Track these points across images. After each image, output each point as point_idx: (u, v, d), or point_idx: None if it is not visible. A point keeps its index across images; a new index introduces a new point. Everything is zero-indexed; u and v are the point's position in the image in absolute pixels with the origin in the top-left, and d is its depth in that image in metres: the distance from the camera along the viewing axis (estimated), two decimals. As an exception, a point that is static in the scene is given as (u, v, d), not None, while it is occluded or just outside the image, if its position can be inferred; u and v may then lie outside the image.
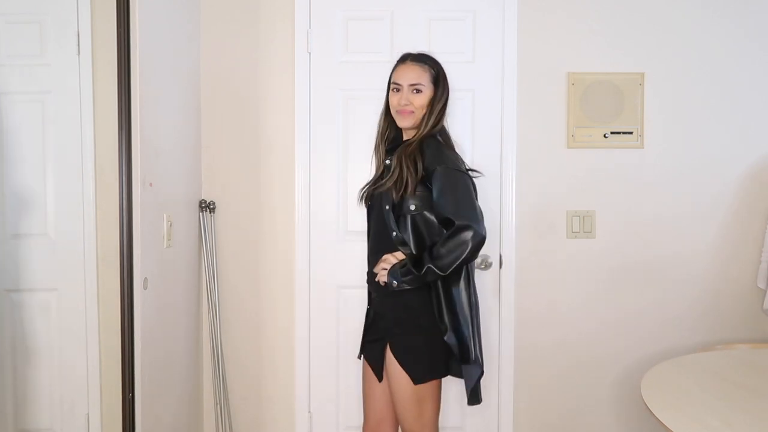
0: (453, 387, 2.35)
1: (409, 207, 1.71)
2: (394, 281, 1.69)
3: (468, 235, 1.63)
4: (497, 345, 2.38)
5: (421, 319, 1.72)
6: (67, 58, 1.83)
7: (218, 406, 2.36)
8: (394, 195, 1.71)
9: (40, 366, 1.87)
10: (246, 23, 2.36)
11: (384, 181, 1.77)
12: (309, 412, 2.40)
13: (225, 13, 2.36)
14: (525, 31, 2.34)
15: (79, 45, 1.82)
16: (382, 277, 1.73)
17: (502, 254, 2.36)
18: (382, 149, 1.88)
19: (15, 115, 1.83)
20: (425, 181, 1.70)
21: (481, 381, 1.78)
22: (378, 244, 1.81)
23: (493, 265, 2.35)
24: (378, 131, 1.91)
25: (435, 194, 1.68)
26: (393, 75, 1.85)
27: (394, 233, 1.73)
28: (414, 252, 1.71)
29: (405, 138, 1.88)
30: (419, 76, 1.80)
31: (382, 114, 1.92)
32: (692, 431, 1.32)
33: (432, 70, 1.83)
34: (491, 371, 2.39)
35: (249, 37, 2.36)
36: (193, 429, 2.31)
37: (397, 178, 1.71)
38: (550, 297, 2.39)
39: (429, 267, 1.64)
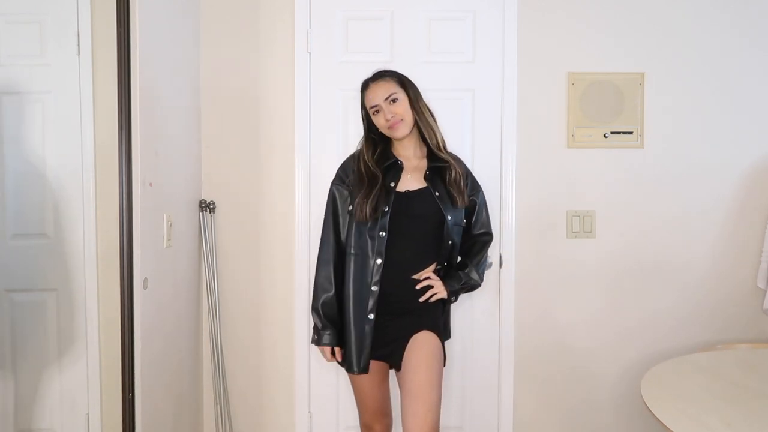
0: (453, 387, 2.35)
1: (462, 219, 1.93)
2: (454, 296, 1.92)
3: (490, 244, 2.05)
4: (497, 344, 2.38)
5: (439, 307, 1.92)
6: (67, 58, 1.83)
7: (218, 406, 2.36)
8: (455, 189, 1.87)
9: (40, 366, 1.87)
10: (246, 23, 2.36)
11: (437, 193, 1.86)
12: (309, 412, 2.40)
13: (225, 13, 2.36)
14: (525, 30, 2.34)
15: (79, 45, 1.82)
16: (441, 293, 1.86)
17: (502, 254, 2.36)
18: (378, 170, 1.86)
19: (15, 114, 1.83)
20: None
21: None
22: (422, 253, 1.87)
23: (493, 265, 2.34)
24: (365, 157, 1.90)
25: (479, 210, 2.01)
26: (366, 101, 1.90)
27: (450, 242, 1.87)
28: (453, 260, 1.94)
29: (397, 145, 1.93)
30: (388, 88, 1.87)
31: (362, 140, 1.95)
32: (692, 431, 1.32)
33: (394, 78, 1.90)
34: (491, 371, 2.39)
35: (249, 37, 2.36)
36: (193, 429, 2.31)
37: (459, 175, 1.89)
38: (550, 296, 2.39)
39: (481, 275, 1.98)
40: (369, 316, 1.82)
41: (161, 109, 1.99)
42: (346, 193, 1.90)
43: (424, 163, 1.92)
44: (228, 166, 2.38)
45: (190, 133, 2.29)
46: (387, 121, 1.85)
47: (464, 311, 2.35)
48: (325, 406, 2.39)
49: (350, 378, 1.94)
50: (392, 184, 1.86)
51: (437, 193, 1.86)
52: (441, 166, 1.90)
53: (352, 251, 1.86)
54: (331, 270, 1.89)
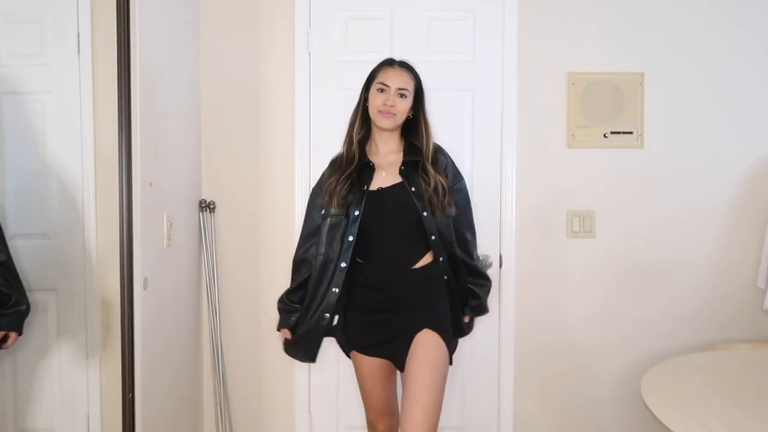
0: (453, 387, 2.35)
1: (450, 212, 1.89)
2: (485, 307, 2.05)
3: None
4: (497, 344, 2.38)
5: (442, 301, 1.90)
6: (67, 58, 1.83)
7: (218, 406, 2.36)
8: (435, 201, 1.84)
9: (40, 366, 1.87)
10: (246, 23, 2.36)
11: (413, 189, 1.84)
12: (309, 412, 2.40)
13: (225, 13, 2.36)
14: (525, 30, 2.34)
15: (79, 45, 1.82)
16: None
17: (502, 254, 2.36)
18: (357, 149, 1.90)
19: (15, 115, 1.83)
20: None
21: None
22: (410, 247, 1.87)
23: (493, 265, 2.34)
24: (352, 131, 1.93)
25: (463, 202, 1.98)
26: (379, 75, 1.89)
27: (433, 237, 1.84)
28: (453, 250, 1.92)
29: (377, 138, 1.92)
30: (406, 82, 1.87)
31: (355, 114, 1.94)
32: (692, 431, 1.32)
33: (415, 81, 1.91)
34: (491, 371, 2.39)
35: (249, 37, 2.36)
36: (193, 429, 2.31)
37: (439, 187, 1.86)
38: (550, 296, 2.39)
39: (483, 270, 2.05)
40: (325, 315, 1.85)
41: (161, 109, 1.99)
42: (319, 201, 1.93)
43: (400, 158, 1.91)
44: (228, 166, 2.38)
45: (190, 133, 2.29)
46: (384, 105, 1.84)
47: (464, 311, 2.35)
48: (325, 406, 2.39)
49: (356, 375, 1.95)
50: (365, 187, 1.85)
51: (413, 189, 1.84)
52: (418, 160, 1.89)
53: (321, 251, 1.89)
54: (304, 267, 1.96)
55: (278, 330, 1.98)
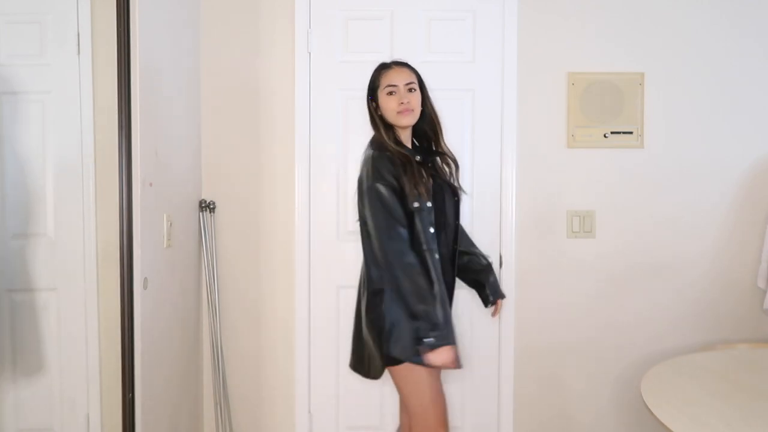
0: (453, 387, 2.35)
1: (461, 196, 1.99)
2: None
3: None
4: (497, 344, 2.38)
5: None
6: (67, 58, 1.83)
7: (218, 406, 2.36)
8: (458, 186, 1.95)
9: (40, 366, 1.87)
10: (246, 23, 2.36)
11: (448, 177, 1.94)
12: (309, 412, 2.40)
13: (225, 13, 2.36)
14: (525, 30, 2.34)
15: (79, 45, 1.82)
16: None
17: (502, 254, 2.36)
18: (400, 147, 1.82)
19: (15, 114, 1.83)
20: None
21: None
22: (451, 238, 1.91)
23: (493, 265, 2.34)
24: (383, 139, 1.83)
25: None
26: (382, 80, 1.85)
27: (458, 221, 1.93)
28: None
29: (402, 138, 1.88)
30: (409, 76, 1.87)
31: (373, 123, 1.87)
32: (692, 431, 1.32)
33: (415, 73, 1.90)
34: (491, 371, 2.39)
35: (249, 37, 2.36)
36: (193, 429, 2.31)
37: (454, 172, 1.96)
38: (550, 296, 2.39)
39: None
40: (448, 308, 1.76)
41: (161, 109, 1.99)
42: (398, 186, 1.74)
43: (418, 154, 1.89)
44: (228, 166, 2.38)
45: (190, 133, 2.29)
46: (400, 104, 1.81)
47: (464, 311, 2.35)
48: (325, 406, 2.39)
49: (421, 384, 1.74)
50: (424, 178, 1.81)
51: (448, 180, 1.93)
52: (441, 154, 1.95)
53: (425, 247, 1.73)
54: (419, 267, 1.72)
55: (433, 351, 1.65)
